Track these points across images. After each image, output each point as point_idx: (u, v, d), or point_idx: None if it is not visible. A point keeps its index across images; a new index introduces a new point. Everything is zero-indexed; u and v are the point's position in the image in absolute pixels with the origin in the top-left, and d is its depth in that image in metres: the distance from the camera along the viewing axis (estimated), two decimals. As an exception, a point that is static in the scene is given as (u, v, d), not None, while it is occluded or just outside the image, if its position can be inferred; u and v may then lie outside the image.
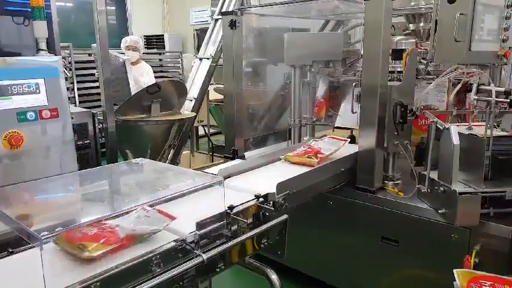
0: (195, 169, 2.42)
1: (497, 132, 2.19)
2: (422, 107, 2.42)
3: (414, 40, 2.60)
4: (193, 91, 4.62)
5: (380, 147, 2.42)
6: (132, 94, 4.40)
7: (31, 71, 2.03)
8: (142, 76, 4.90)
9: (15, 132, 1.94)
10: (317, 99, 3.12)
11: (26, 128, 1.99)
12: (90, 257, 1.24)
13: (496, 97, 2.10)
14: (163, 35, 9.34)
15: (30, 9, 2.47)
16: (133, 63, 4.74)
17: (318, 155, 2.41)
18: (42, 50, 2.49)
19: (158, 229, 1.40)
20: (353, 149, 2.60)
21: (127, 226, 1.36)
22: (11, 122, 1.96)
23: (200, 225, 1.45)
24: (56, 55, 2.60)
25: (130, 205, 1.47)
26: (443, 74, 2.48)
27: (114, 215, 1.37)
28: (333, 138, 2.73)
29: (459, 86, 2.41)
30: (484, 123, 2.15)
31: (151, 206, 1.48)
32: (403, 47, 2.50)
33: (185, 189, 1.60)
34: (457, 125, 2.19)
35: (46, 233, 1.13)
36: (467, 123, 2.30)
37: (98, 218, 1.34)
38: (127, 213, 1.41)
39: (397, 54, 2.53)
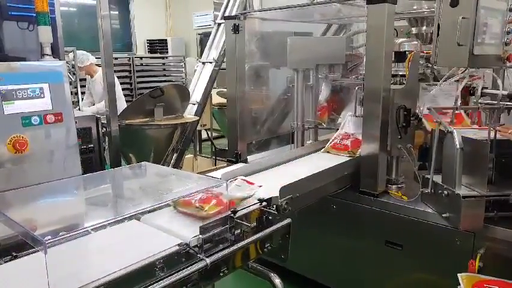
0: (198, 173, 2.43)
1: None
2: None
3: (416, 42, 2.60)
4: (196, 95, 4.63)
5: (383, 151, 2.41)
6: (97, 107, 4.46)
7: (36, 76, 2.04)
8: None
9: (19, 136, 1.95)
10: (320, 103, 3.12)
11: (31, 133, 2.00)
12: (208, 215, 1.55)
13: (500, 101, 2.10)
14: (166, 39, 9.40)
15: (34, 15, 2.49)
16: (90, 76, 4.78)
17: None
18: (47, 54, 2.50)
19: (250, 194, 1.74)
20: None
21: (227, 194, 1.63)
22: (15, 127, 1.96)
23: (203, 229, 1.46)
24: (60, 60, 2.61)
25: (132, 210, 1.48)
26: (444, 78, 2.49)
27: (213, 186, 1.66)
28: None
29: (460, 88, 2.40)
30: (487, 127, 2.14)
31: (153, 210, 1.56)
32: (406, 49, 2.51)
33: (189, 193, 1.60)
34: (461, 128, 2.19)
35: (50, 237, 1.14)
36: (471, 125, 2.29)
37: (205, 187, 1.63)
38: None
39: (400, 56, 2.53)
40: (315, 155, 2.83)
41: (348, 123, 2.82)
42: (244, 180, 1.86)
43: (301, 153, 2.81)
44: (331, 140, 2.81)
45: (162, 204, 1.58)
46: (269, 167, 2.49)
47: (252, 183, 1.83)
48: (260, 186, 1.83)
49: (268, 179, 2.23)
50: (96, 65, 4.88)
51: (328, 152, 2.79)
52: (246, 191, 1.77)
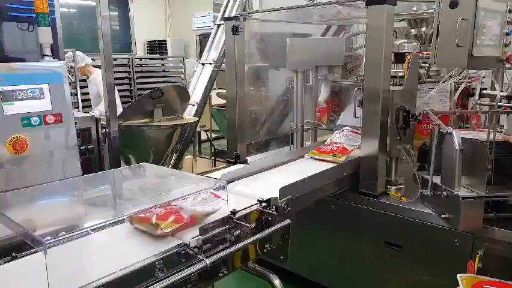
0: (197, 174, 2.42)
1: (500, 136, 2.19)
2: (424, 111, 2.42)
3: (416, 43, 2.60)
4: (196, 96, 4.64)
5: (383, 152, 2.42)
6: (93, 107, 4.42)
7: (35, 77, 2.05)
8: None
9: (19, 137, 1.96)
10: (319, 104, 3.13)
11: (31, 133, 2.00)
12: (163, 233, 1.44)
13: (499, 102, 2.10)
14: (165, 40, 9.40)
15: (34, 15, 2.49)
16: (87, 78, 4.78)
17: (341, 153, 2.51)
18: (47, 55, 2.51)
19: (215, 209, 1.55)
20: (356, 153, 2.60)
21: (189, 208, 1.52)
22: (15, 127, 1.97)
23: (203, 229, 1.46)
24: (60, 60, 2.62)
25: (133, 210, 1.48)
26: (444, 79, 2.49)
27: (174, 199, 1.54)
28: (352, 131, 2.76)
29: (460, 89, 2.41)
30: (486, 129, 2.15)
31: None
32: (405, 51, 2.51)
33: (188, 193, 1.60)
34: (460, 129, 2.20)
35: (50, 237, 1.14)
36: (469, 128, 2.30)
37: (163, 202, 1.51)
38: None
39: (399, 57, 2.53)
40: (299, 160, 2.68)
41: (339, 136, 2.76)
42: (213, 193, 1.62)
43: (284, 159, 2.64)
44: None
45: (162, 204, 1.58)
46: (249, 174, 2.35)
47: (219, 197, 1.60)
48: (227, 200, 1.58)
49: (248, 186, 2.16)
50: (93, 66, 4.88)
51: (312, 156, 2.65)
52: (211, 205, 1.57)
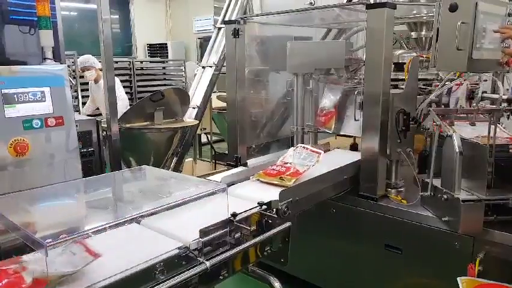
0: (198, 177, 2.42)
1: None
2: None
3: (416, 54, 2.62)
4: (196, 99, 4.64)
5: (383, 155, 2.42)
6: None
7: (37, 80, 2.06)
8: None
9: (21, 139, 1.96)
10: (324, 109, 3.06)
11: (32, 136, 2.01)
12: None
13: (500, 105, 2.11)
14: (166, 43, 9.41)
15: (36, 19, 2.50)
16: (95, 81, 4.71)
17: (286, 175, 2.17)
18: (48, 58, 2.52)
19: (73, 271, 1.18)
20: (355, 156, 2.60)
21: (37, 268, 1.17)
22: (16, 130, 1.98)
23: (203, 232, 1.46)
24: (61, 64, 2.63)
25: (133, 212, 1.48)
26: (444, 81, 2.50)
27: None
28: (311, 150, 2.41)
29: (461, 90, 2.42)
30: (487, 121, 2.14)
31: (153, 213, 1.48)
32: (405, 61, 2.52)
33: (188, 196, 1.61)
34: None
35: (51, 240, 1.14)
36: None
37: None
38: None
39: (399, 67, 2.55)
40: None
41: (292, 155, 2.41)
42: (85, 247, 1.28)
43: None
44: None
45: (162, 207, 1.58)
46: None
47: (93, 253, 1.26)
48: (99, 256, 1.26)
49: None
50: (100, 69, 4.87)
51: (258, 179, 2.26)
52: (76, 263, 1.23)
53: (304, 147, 2.46)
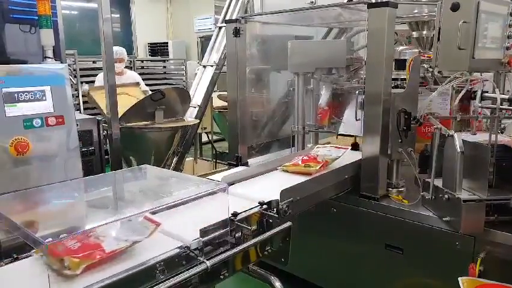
0: (198, 176, 2.42)
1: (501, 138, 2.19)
2: (426, 115, 2.42)
3: (417, 50, 2.61)
4: (197, 98, 4.64)
5: (384, 155, 2.42)
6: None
7: (37, 79, 2.06)
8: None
9: (21, 138, 1.96)
10: (320, 107, 3.12)
11: (32, 135, 2.01)
12: (72, 274, 1.20)
13: (500, 104, 2.10)
14: (167, 43, 9.40)
15: (36, 17, 2.50)
16: (118, 74, 4.77)
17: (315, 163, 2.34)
18: (49, 57, 2.52)
19: (140, 239, 1.35)
20: (356, 156, 2.60)
21: (112, 241, 1.31)
22: (17, 129, 1.97)
23: (204, 232, 1.46)
24: (62, 63, 2.63)
25: (134, 212, 1.48)
26: (446, 82, 2.49)
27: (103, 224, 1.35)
28: (336, 147, 2.68)
29: (462, 92, 2.41)
30: (487, 132, 2.15)
31: (153, 213, 1.48)
32: (406, 57, 2.51)
33: (189, 196, 1.60)
34: (461, 132, 2.20)
35: (51, 238, 1.14)
36: (471, 130, 2.29)
37: (85, 229, 1.33)
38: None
39: (400, 64, 2.54)
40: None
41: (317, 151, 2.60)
42: (146, 217, 1.43)
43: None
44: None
45: (163, 206, 1.58)
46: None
47: (153, 221, 1.42)
48: (159, 224, 1.40)
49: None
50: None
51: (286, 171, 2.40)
52: (139, 233, 1.39)
53: (333, 146, 2.70)
